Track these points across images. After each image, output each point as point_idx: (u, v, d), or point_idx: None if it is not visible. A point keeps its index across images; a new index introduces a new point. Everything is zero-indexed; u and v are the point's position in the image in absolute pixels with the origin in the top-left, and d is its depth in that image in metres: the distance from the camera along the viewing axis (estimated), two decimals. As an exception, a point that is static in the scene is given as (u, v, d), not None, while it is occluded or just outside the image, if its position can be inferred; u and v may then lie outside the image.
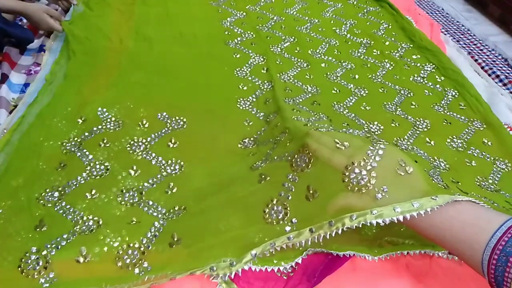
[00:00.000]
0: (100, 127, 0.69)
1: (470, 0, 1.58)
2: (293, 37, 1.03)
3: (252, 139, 0.71)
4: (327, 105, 0.81)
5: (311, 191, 0.50)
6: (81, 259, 0.48)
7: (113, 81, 0.81)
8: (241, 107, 0.79)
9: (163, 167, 0.64)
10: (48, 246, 0.49)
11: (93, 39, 0.93)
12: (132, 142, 0.67)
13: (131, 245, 0.50)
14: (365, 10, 1.20)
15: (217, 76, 0.87)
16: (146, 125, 0.71)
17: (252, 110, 0.78)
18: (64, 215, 0.54)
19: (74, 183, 0.59)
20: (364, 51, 1.02)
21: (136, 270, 0.48)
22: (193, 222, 0.53)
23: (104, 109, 0.72)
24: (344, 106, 0.82)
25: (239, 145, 0.69)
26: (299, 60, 0.95)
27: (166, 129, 0.71)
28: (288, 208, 0.51)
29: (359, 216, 0.43)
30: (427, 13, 1.34)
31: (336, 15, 1.17)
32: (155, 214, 0.56)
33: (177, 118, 0.73)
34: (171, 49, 0.93)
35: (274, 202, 0.52)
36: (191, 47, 0.95)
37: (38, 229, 0.52)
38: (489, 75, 1.04)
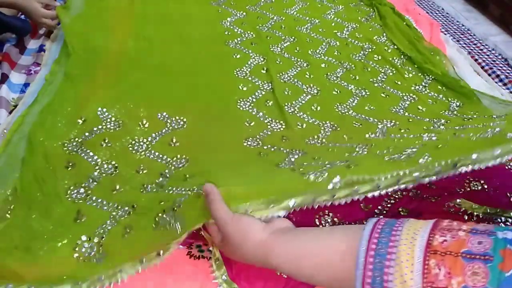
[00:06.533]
0: (100, 127, 0.69)
1: (470, 0, 1.58)
2: (293, 37, 1.03)
3: (255, 139, 0.70)
4: (329, 107, 0.81)
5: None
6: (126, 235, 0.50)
7: (113, 81, 0.81)
8: (241, 108, 0.78)
9: (169, 163, 0.64)
10: (96, 232, 0.51)
11: (92, 38, 0.93)
12: (133, 142, 0.67)
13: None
14: (367, 16, 1.19)
15: (217, 77, 0.87)
16: (146, 125, 0.71)
17: (252, 110, 0.78)
18: (98, 207, 0.56)
19: (95, 179, 0.60)
20: (365, 55, 1.01)
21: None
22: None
23: (104, 109, 0.72)
24: (348, 107, 0.82)
25: (244, 144, 0.69)
26: (299, 59, 0.95)
27: (166, 128, 0.71)
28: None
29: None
30: (427, 13, 1.34)
31: (338, 17, 1.16)
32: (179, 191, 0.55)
33: (177, 118, 0.73)
34: (171, 49, 0.93)
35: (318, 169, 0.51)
36: (190, 47, 0.95)
37: (78, 221, 0.53)
38: (489, 75, 1.03)
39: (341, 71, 0.94)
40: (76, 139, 0.66)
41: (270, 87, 0.84)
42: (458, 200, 0.62)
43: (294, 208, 0.46)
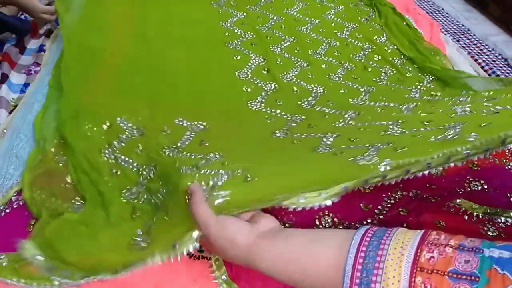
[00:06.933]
0: (127, 134, 0.68)
1: (470, 0, 1.58)
2: (293, 37, 1.03)
3: (282, 131, 0.69)
4: (344, 102, 0.80)
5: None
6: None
7: (115, 86, 0.80)
8: (253, 108, 0.78)
9: (204, 159, 0.62)
10: (146, 224, 0.52)
11: (91, 39, 0.92)
12: (164, 149, 0.65)
13: None
14: (367, 16, 1.19)
15: (219, 80, 0.86)
16: (169, 131, 0.69)
17: (266, 109, 0.77)
18: (148, 203, 0.57)
19: (142, 184, 0.61)
20: (365, 55, 1.01)
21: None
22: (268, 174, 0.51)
23: (123, 118, 0.71)
24: (363, 99, 0.81)
25: (273, 136, 0.67)
26: (299, 59, 0.95)
27: (190, 131, 0.69)
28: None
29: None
30: (427, 13, 1.34)
31: (338, 17, 1.16)
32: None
33: (195, 122, 0.72)
34: (171, 52, 0.92)
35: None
36: (190, 49, 0.94)
37: (133, 216, 0.55)
38: (489, 75, 1.04)
39: (342, 71, 0.93)
40: (109, 147, 0.66)
41: (274, 87, 0.84)
42: (458, 200, 0.62)
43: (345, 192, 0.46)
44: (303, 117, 0.74)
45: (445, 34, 1.21)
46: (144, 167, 0.63)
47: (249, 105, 0.78)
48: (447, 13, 1.40)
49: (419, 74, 0.96)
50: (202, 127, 0.71)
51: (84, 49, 0.88)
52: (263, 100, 0.80)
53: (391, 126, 0.60)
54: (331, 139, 0.59)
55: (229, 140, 0.67)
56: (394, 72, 0.96)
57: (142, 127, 0.70)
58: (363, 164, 0.47)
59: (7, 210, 0.61)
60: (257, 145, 0.65)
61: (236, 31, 1.03)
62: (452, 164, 0.46)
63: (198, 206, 0.43)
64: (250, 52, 0.95)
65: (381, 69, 0.96)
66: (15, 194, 0.63)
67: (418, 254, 0.33)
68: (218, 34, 1.01)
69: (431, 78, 0.94)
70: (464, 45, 1.18)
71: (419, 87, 0.88)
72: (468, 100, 0.66)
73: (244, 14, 1.10)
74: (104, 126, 0.69)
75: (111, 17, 1.01)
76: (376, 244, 0.35)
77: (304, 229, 0.44)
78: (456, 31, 1.27)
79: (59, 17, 0.94)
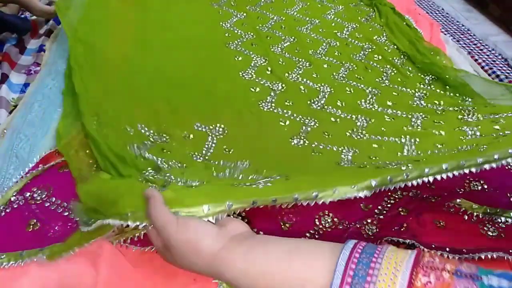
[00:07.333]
0: (151, 140, 0.68)
1: (470, 0, 1.58)
2: (293, 37, 1.03)
3: (299, 137, 0.70)
4: (353, 103, 0.80)
5: None
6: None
7: (127, 90, 0.80)
8: (265, 109, 0.78)
9: (231, 168, 0.63)
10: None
11: (96, 39, 0.91)
12: (191, 154, 0.66)
13: None
14: (367, 16, 1.18)
15: (224, 82, 0.85)
16: (191, 137, 0.70)
17: (278, 111, 0.77)
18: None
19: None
20: (365, 55, 1.01)
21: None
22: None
23: (143, 125, 0.71)
24: (370, 101, 0.81)
25: (292, 143, 0.69)
26: (300, 59, 0.95)
27: (211, 136, 0.70)
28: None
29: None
30: (427, 13, 1.34)
31: (338, 17, 1.16)
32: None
33: (213, 125, 0.72)
34: (171, 54, 0.91)
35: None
36: (192, 51, 0.93)
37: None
38: (489, 75, 1.03)
39: (345, 71, 0.93)
40: (135, 146, 0.66)
41: (282, 87, 0.84)
42: (458, 200, 0.62)
43: (375, 189, 0.47)
44: (316, 121, 0.75)
45: (445, 34, 1.21)
46: (171, 162, 0.63)
47: (260, 105, 0.78)
48: (447, 13, 1.40)
49: (419, 74, 0.95)
50: (221, 130, 0.72)
51: (89, 48, 0.88)
52: (273, 100, 0.80)
53: (406, 147, 0.63)
54: (350, 155, 0.62)
55: (252, 146, 0.68)
56: (395, 72, 0.96)
57: (164, 134, 0.70)
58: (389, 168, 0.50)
59: (7, 210, 0.61)
60: (279, 153, 0.67)
61: (236, 31, 1.03)
62: (466, 171, 0.48)
63: (156, 209, 0.40)
64: (251, 52, 0.95)
65: (381, 69, 0.96)
66: (15, 194, 0.63)
67: (413, 277, 0.31)
68: (218, 34, 1.01)
69: (431, 78, 0.94)
70: (464, 45, 1.18)
71: (422, 90, 0.88)
72: (474, 118, 0.70)
73: (244, 14, 1.10)
74: (129, 129, 0.69)
75: (112, 18, 1.01)
76: (366, 262, 0.32)
77: (284, 238, 0.39)
78: (456, 31, 1.27)
79: (60, 15, 0.94)
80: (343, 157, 0.61)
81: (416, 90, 0.88)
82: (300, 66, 0.92)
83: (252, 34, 1.02)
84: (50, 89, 0.85)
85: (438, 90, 0.89)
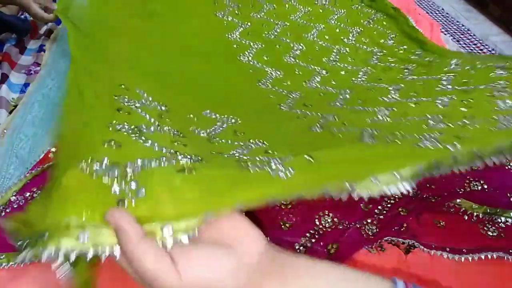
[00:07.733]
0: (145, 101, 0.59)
1: (470, 0, 1.58)
2: (301, 45, 1.01)
3: (318, 126, 0.64)
4: (374, 99, 0.78)
5: None
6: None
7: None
8: (283, 110, 0.75)
9: (242, 146, 0.55)
10: None
11: (97, 39, 0.90)
12: (196, 131, 0.57)
13: None
14: (369, 18, 1.17)
15: (241, 89, 0.83)
16: (195, 119, 0.62)
17: (296, 111, 0.74)
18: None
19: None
20: (378, 59, 0.97)
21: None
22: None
23: (142, 90, 0.60)
24: (393, 97, 0.79)
25: (312, 130, 0.63)
26: (315, 67, 0.92)
27: (220, 123, 0.63)
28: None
29: None
30: (427, 13, 1.34)
31: (341, 22, 1.14)
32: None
33: (226, 116, 0.65)
34: (178, 66, 0.88)
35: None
36: (199, 64, 0.90)
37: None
38: (489, 75, 1.03)
39: (364, 75, 0.90)
40: (124, 98, 0.55)
41: (300, 95, 0.81)
42: (458, 200, 0.62)
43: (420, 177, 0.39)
44: (335, 116, 0.69)
45: (445, 34, 1.22)
46: (167, 127, 0.51)
47: (280, 107, 0.75)
48: (447, 13, 1.40)
49: (442, 60, 0.89)
50: (234, 120, 0.64)
51: (92, 42, 0.82)
52: (292, 104, 0.77)
53: (431, 121, 0.54)
54: (374, 133, 0.53)
55: (268, 132, 0.60)
56: (415, 66, 0.90)
57: (164, 104, 0.59)
58: (428, 147, 0.41)
59: (7, 210, 0.61)
60: (298, 135, 0.60)
61: (244, 42, 1.00)
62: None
63: (136, 254, 0.27)
64: (265, 66, 0.92)
65: (402, 67, 0.92)
66: (14, 194, 0.63)
67: None
68: (226, 47, 0.98)
69: (455, 62, 0.86)
70: (464, 45, 1.18)
71: (448, 73, 0.80)
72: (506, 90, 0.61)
73: (249, 24, 1.08)
74: (123, 87, 0.58)
75: (116, 33, 0.97)
76: None
77: (314, 265, 0.32)
78: (456, 31, 1.27)
79: (62, 17, 0.93)
80: (365, 134, 0.51)
81: (443, 75, 0.81)
82: (317, 74, 0.90)
83: (260, 44, 1.00)
84: (50, 89, 0.85)
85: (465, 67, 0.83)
